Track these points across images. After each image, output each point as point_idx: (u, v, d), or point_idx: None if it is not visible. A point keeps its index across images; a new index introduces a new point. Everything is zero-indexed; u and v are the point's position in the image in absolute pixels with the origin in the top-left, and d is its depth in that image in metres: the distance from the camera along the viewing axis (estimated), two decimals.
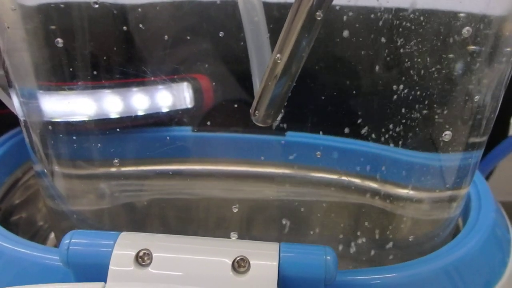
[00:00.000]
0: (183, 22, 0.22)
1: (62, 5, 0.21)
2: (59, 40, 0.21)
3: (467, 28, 0.19)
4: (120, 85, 0.23)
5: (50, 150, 0.23)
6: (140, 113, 0.24)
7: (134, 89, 0.24)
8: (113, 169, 0.24)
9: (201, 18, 0.22)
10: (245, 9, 0.21)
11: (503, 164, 0.40)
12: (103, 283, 0.17)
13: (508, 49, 0.20)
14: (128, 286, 0.17)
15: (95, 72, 0.22)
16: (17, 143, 0.30)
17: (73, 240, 0.18)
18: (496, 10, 0.19)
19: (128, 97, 0.24)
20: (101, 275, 0.17)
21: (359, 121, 0.23)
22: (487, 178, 0.41)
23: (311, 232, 0.26)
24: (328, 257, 0.17)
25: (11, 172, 0.30)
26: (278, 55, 0.17)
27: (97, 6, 0.20)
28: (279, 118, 0.23)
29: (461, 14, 0.19)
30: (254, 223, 0.26)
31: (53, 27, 0.21)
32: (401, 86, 0.21)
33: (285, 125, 0.24)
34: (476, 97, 0.20)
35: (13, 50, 0.21)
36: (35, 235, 0.30)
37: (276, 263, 0.17)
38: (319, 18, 0.16)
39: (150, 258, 0.17)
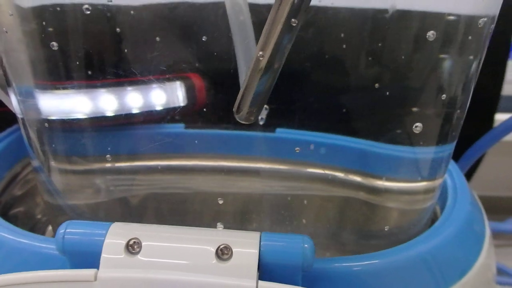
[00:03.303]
0: (175, 23, 0.23)
1: (58, 8, 0.22)
2: (54, 43, 0.22)
3: (432, 30, 0.20)
4: (115, 85, 0.24)
5: (46, 146, 0.24)
6: (134, 111, 0.25)
7: (128, 88, 0.24)
8: (108, 165, 0.25)
9: (193, 19, 0.23)
10: (232, 10, 0.22)
11: (488, 160, 0.41)
12: (96, 269, 0.18)
13: (474, 45, 0.21)
14: (119, 273, 0.18)
15: (90, 72, 0.23)
16: (17, 139, 0.31)
17: (68, 230, 0.19)
18: (464, 9, 0.20)
19: (122, 96, 0.24)
20: (94, 262, 0.18)
21: (338, 117, 0.24)
22: (471, 173, 0.42)
23: (297, 224, 0.27)
24: (306, 245, 0.18)
25: (10, 167, 0.30)
26: (260, 53, 0.18)
27: (88, 12, 0.21)
28: (264, 116, 0.24)
29: (431, 13, 0.20)
30: (242, 215, 0.27)
31: (49, 29, 0.21)
32: (377, 82, 0.22)
33: (273, 122, 0.25)
34: (443, 95, 0.21)
35: (11, 50, 0.22)
36: (34, 227, 0.31)
37: (256, 251, 0.18)
38: (294, 25, 0.17)
39: (140, 247, 0.18)
